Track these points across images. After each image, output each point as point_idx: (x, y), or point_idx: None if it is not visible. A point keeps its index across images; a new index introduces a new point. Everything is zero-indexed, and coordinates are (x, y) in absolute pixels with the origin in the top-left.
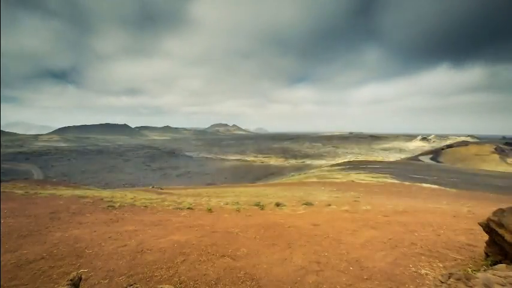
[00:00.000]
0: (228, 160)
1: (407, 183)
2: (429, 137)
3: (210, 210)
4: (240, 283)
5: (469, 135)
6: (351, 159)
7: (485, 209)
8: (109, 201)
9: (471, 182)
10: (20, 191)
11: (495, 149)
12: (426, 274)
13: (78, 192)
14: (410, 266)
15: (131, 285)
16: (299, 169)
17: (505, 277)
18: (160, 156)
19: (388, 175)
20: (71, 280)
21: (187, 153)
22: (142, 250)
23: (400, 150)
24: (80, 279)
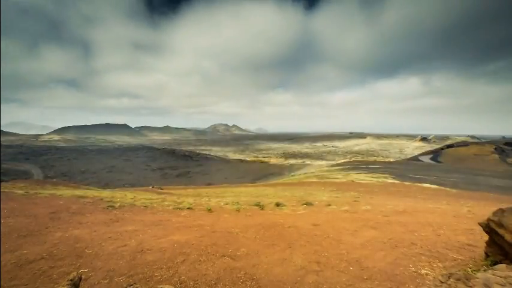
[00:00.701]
0: (227, 160)
1: (407, 183)
2: (429, 137)
3: (210, 210)
4: (240, 283)
5: (469, 135)
6: (351, 159)
7: (485, 209)
8: (109, 201)
9: (471, 182)
10: (20, 191)
11: (495, 149)
12: (426, 274)
13: (78, 192)
14: (410, 266)
15: (131, 285)
16: (299, 169)
17: (505, 277)
18: (161, 156)
19: (388, 175)
20: (71, 280)
21: (186, 153)
22: (142, 250)
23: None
24: (80, 279)
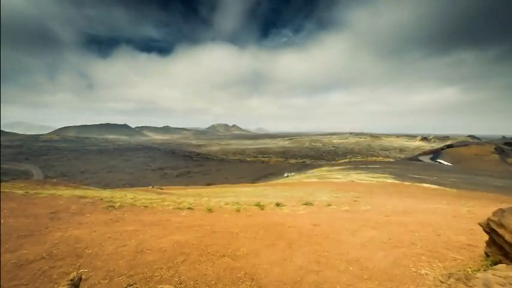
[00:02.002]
0: (227, 160)
1: (407, 183)
2: (429, 137)
3: (210, 210)
4: (240, 283)
5: (469, 135)
6: (351, 159)
7: (485, 209)
8: (109, 201)
9: (471, 182)
10: (20, 191)
11: (495, 149)
12: (426, 274)
13: (78, 192)
14: (410, 266)
15: (131, 285)
16: (299, 169)
17: (505, 277)
18: (161, 156)
19: (388, 175)
20: (71, 280)
21: (186, 153)
22: (142, 250)
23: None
24: (80, 279)
